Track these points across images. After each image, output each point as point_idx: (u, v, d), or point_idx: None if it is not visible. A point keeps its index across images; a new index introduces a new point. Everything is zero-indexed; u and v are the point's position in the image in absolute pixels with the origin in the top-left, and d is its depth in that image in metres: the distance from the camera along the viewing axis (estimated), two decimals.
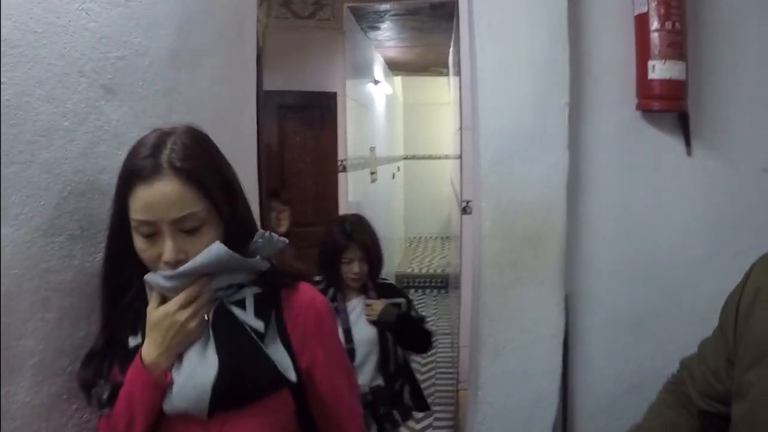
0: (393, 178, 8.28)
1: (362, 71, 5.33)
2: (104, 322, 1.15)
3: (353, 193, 4.56)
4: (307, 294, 1.19)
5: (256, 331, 1.07)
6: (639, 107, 1.94)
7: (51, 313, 1.11)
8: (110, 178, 1.26)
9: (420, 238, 10.69)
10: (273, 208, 3.43)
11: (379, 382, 2.43)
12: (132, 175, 1.04)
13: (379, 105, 6.68)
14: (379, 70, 6.45)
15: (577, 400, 2.12)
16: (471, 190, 3.08)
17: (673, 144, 1.99)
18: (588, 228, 2.05)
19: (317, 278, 2.45)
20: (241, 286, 1.11)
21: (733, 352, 0.96)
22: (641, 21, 1.88)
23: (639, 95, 1.93)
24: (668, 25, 1.83)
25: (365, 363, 2.39)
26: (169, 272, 1.02)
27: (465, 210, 3.33)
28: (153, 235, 1.03)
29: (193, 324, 1.03)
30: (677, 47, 1.85)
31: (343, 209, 4.30)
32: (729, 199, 1.68)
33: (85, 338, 1.20)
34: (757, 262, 1.02)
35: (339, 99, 4.17)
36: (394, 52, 6.62)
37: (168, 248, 1.02)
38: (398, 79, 9.35)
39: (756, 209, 1.99)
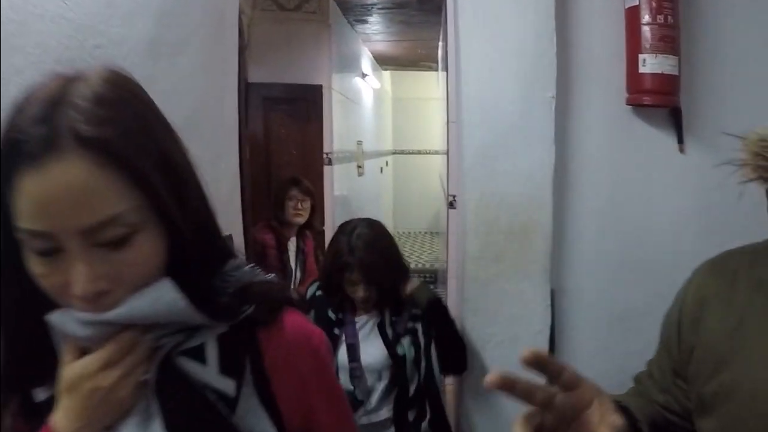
0: (381, 172, 8.25)
1: (349, 65, 5.30)
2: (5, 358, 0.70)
3: (339, 187, 4.53)
4: (298, 329, 0.81)
5: (222, 395, 0.70)
6: (629, 102, 1.92)
7: None
8: None
9: (409, 233, 10.65)
10: (292, 197, 3.23)
11: (388, 413, 1.92)
12: (11, 155, 0.60)
13: (367, 99, 6.64)
14: (366, 64, 6.42)
15: None
16: (456, 184, 3.07)
17: (664, 140, 1.96)
18: (575, 223, 2.03)
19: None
20: (197, 328, 0.71)
21: (681, 366, 0.94)
22: (632, 14, 1.85)
23: (629, 90, 1.91)
24: (660, 18, 1.80)
25: (374, 389, 1.92)
26: (85, 315, 0.64)
27: (452, 204, 3.30)
28: (54, 252, 0.62)
29: (123, 391, 0.66)
30: (669, 41, 1.82)
31: (328, 202, 4.27)
32: (719, 196, 1.67)
33: None
34: (694, 275, 1.00)
35: (325, 92, 4.13)
36: (382, 47, 6.58)
37: (79, 276, 0.61)
38: (387, 74, 9.30)
39: (746, 208, 1.97)
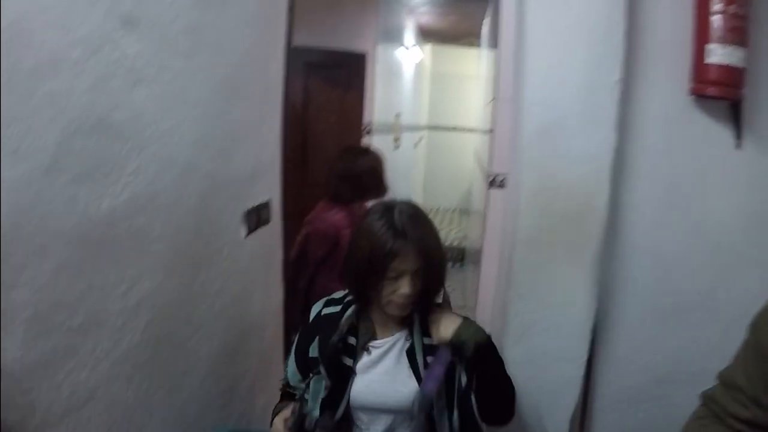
0: (415, 147, 8.12)
1: (393, 35, 5.15)
2: None
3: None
4: None
5: None
6: (693, 91, 1.84)
7: (49, 262, 1.00)
8: (123, 117, 1.15)
9: (438, 209, 10.55)
10: None
11: None
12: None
13: (408, 72, 6.50)
14: (409, 35, 6.26)
15: (599, 388, 2.05)
16: (501, 163, 2.96)
17: (724, 133, 1.89)
18: (629, 211, 1.97)
19: (338, 296, 1.61)
20: None
21: None
22: (702, 2, 1.78)
23: (693, 79, 1.83)
24: (731, 8, 1.73)
25: None
26: None
27: (492, 183, 3.19)
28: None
29: None
30: (739, 32, 1.75)
31: None
32: None
33: (86, 290, 1.10)
34: None
35: (368, 60, 4.01)
36: (425, 19, 6.41)
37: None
38: (428, 48, 9.12)
39: None
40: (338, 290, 1.68)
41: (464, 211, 9.74)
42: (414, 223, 1.40)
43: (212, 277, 1.63)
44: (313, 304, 1.66)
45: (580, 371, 1.94)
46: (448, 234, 8.65)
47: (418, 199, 9.40)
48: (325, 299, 1.59)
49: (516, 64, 2.09)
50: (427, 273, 1.40)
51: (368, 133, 4.14)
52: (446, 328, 1.43)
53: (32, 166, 0.95)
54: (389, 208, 1.43)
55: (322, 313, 1.55)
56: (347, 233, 2.57)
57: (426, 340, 1.46)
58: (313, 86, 3.89)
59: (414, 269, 1.37)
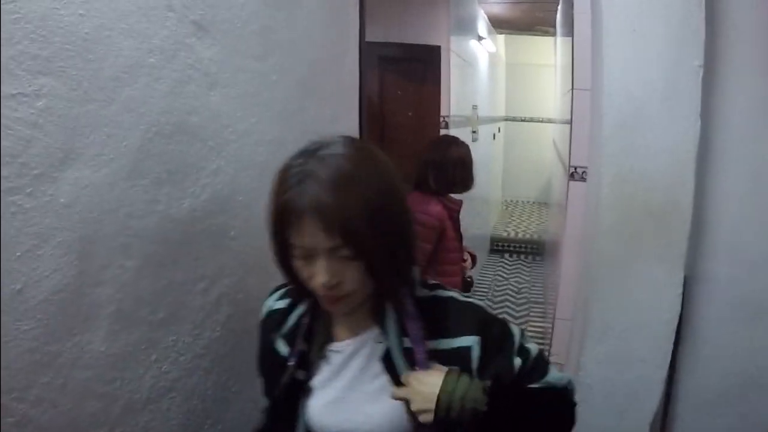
0: (493, 139, 8.00)
1: (465, 27, 5.08)
2: None
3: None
4: None
5: None
6: None
7: (131, 260, 1.05)
8: (200, 120, 1.19)
9: (517, 201, 10.39)
10: None
11: None
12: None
13: (483, 63, 6.40)
14: (482, 26, 6.16)
15: (681, 392, 1.97)
16: (581, 155, 2.88)
17: None
18: (715, 206, 1.87)
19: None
20: None
21: None
22: None
23: None
24: None
25: None
26: None
27: (573, 176, 3.11)
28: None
29: None
30: None
31: None
32: None
33: (167, 287, 1.14)
34: None
35: (443, 53, 3.97)
36: (498, 9, 6.29)
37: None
38: (501, 38, 8.95)
39: None
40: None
41: (543, 204, 9.55)
42: (334, 179, 0.89)
43: None
44: None
45: (663, 373, 1.86)
46: (528, 227, 8.50)
47: (497, 191, 9.28)
48: (282, 290, 1.16)
49: (592, 53, 2.01)
50: (361, 255, 0.91)
51: (445, 126, 4.11)
52: (421, 399, 0.93)
53: (114, 170, 0.99)
54: (313, 150, 0.96)
55: (274, 309, 1.15)
56: (449, 224, 2.63)
57: (407, 342, 1.00)
58: (389, 81, 3.90)
59: (328, 247, 0.89)
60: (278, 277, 1.55)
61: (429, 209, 2.57)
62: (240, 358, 1.41)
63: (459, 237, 2.74)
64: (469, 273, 2.94)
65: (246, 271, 1.41)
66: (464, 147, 2.76)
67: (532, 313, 5.41)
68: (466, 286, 2.93)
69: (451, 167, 2.64)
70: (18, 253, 0.84)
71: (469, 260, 2.90)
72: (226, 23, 1.27)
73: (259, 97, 1.41)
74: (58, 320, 0.91)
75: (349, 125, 2.11)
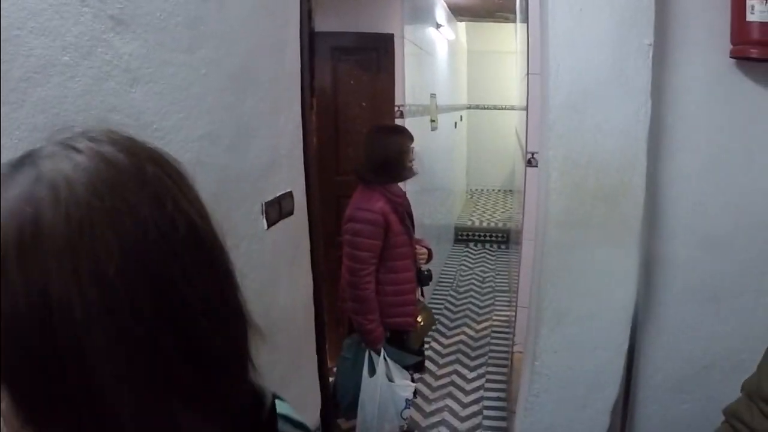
0: (455, 127, 7.99)
1: (422, 15, 5.04)
2: None
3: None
4: None
5: None
6: (733, 54, 1.71)
7: None
8: (121, 118, 1.13)
9: (482, 190, 10.44)
10: (411, 151, 2.76)
11: None
12: None
13: (441, 51, 6.37)
14: (441, 14, 6.12)
15: (641, 377, 1.97)
16: (537, 140, 2.87)
17: None
18: (669, 187, 1.86)
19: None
20: None
21: None
22: None
23: (734, 40, 1.70)
24: None
25: None
26: None
27: (530, 162, 3.11)
28: None
29: None
30: None
31: None
32: None
33: None
34: None
35: (397, 41, 3.92)
36: None
37: None
38: (462, 25, 8.93)
39: None
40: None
41: (509, 192, 9.61)
42: None
43: None
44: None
45: (621, 360, 1.85)
46: (493, 215, 8.54)
47: (462, 181, 9.29)
48: None
49: (540, 35, 1.99)
50: None
51: (401, 115, 4.07)
52: None
53: None
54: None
55: None
56: (394, 218, 2.61)
57: None
58: (342, 71, 3.84)
59: None
60: None
61: (371, 205, 2.57)
62: None
63: (407, 230, 2.72)
64: (425, 267, 2.91)
65: None
66: (400, 135, 2.77)
67: (497, 302, 5.43)
68: (424, 279, 2.90)
69: (390, 157, 2.65)
70: None
71: (425, 253, 2.87)
72: (148, 16, 1.20)
73: (187, 92, 1.35)
74: None
75: (291, 118, 2.06)
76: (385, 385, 2.63)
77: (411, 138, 2.77)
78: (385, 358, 2.65)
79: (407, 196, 2.86)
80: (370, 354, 2.65)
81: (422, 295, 3.00)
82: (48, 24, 0.96)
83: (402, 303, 2.71)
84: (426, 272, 2.91)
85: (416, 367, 2.96)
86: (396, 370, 2.68)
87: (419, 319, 2.82)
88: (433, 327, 2.98)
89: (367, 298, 2.57)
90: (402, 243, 2.65)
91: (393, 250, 2.62)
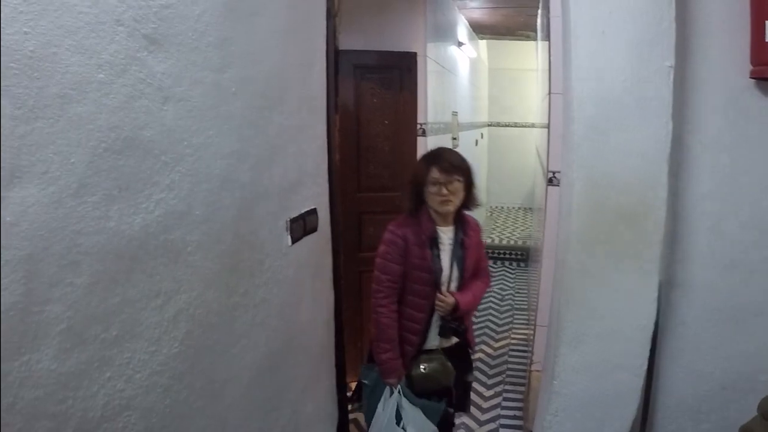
0: (476, 145, 8.00)
1: (445, 33, 5.08)
2: None
3: None
4: None
5: None
6: (753, 74, 1.71)
7: (81, 278, 1.03)
8: (153, 135, 1.17)
9: (502, 207, 10.42)
10: (433, 182, 2.32)
11: None
12: None
13: (463, 69, 6.41)
14: (463, 32, 6.16)
15: (660, 398, 1.96)
16: (559, 160, 2.89)
17: None
18: (690, 208, 1.86)
19: None
20: None
21: None
22: None
23: (753, 61, 1.70)
24: None
25: None
26: None
27: (551, 181, 3.11)
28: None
29: None
30: None
31: None
32: None
33: (120, 304, 1.12)
34: None
35: (419, 60, 3.96)
36: (478, 14, 6.30)
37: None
38: (483, 43, 8.98)
39: None
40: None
41: (528, 209, 9.58)
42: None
43: (254, 288, 1.64)
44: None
45: (640, 380, 1.85)
46: (512, 233, 8.51)
47: (482, 197, 9.28)
48: None
49: (563, 56, 2.01)
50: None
51: (423, 133, 4.10)
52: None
53: (61, 187, 0.97)
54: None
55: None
56: (416, 250, 2.35)
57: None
58: (365, 89, 3.88)
59: None
60: (238, 292, 1.54)
61: (396, 227, 2.37)
62: (200, 374, 1.38)
63: (429, 269, 2.35)
64: (451, 320, 2.43)
65: (205, 286, 1.39)
66: (424, 163, 2.38)
67: (515, 321, 5.40)
68: (444, 331, 2.43)
69: (411, 184, 2.40)
70: None
71: (445, 303, 2.36)
72: (181, 36, 1.25)
73: (216, 110, 1.39)
74: (5, 339, 0.89)
75: (316, 135, 2.10)
76: (392, 428, 2.32)
77: (440, 169, 2.30)
78: (401, 394, 2.34)
79: (477, 243, 2.53)
80: (390, 387, 2.37)
81: (442, 346, 2.48)
82: (84, 42, 1.00)
83: (402, 341, 2.39)
84: (451, 326, 2.42)
85: (458, 406, 2.63)
86: (412, 415, 2.34)
87: (422, 367, 2.41)
88: (448, 382, 2.48)
89: (381, 324, 2.32)
90: (417, 279, 2.35)
91: (406, 282, 2.36)
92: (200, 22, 1.30)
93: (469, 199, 2.43)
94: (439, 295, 2.36)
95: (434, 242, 2.36)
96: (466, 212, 2.51)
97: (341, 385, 2.52)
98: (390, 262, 2.33)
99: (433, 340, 2.44)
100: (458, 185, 2.33)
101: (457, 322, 2.42)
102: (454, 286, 2.41)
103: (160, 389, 1.24)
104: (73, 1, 0.97)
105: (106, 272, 1.08)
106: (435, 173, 2.29)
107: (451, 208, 2.34)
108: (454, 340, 2.50)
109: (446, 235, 2.41)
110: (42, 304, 0.95)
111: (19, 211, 0.90)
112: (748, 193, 1.80)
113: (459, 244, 2.41)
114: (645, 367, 1.84)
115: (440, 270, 2.36)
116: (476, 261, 2.51)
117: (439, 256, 2.36)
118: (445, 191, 2.29)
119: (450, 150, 2.45)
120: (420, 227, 2.36)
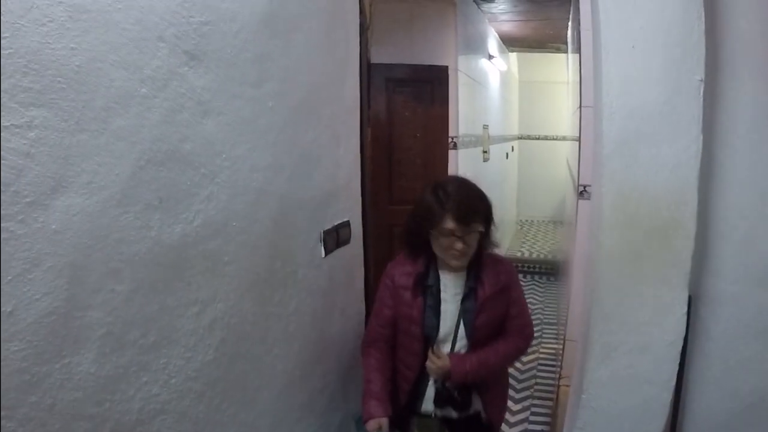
0: (507, 158, 8.00)
1: (475, 46, 5.11)
2: None
3: (463, 172, 4.38)
4: None
5: None
6: None
7: (122, 285, 1.07)
8: (193, 147, 1.21)
9: (532, 221, 10.34)
10: (443, 232, 1.80)
11: None
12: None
13: (494, 82, 6.42)
14: (493, 45, 6.18)
15: (688, 414, 1.92)
16: (590, 173, 2.88)
17: None
18: (719, 223, 1.83)
19: None
20: None
21: None
22: None
23: None
24: None
25: None
26: None
27: (582, 194, 3.10)
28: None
29: None
30: None
31: None
32: None
33: (159, 311, 1.16)
34: None
35: (451, 73, 3.99)
36: (508, 27, 6.31)
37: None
38: (514, 56, 8.98)
39: None
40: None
41: (558, 223, 9.50)
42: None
43: (288, 298, 1.68)
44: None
45: (669, 395, 1.83)
46: (543, 246, 8.45)
47: (512, 211, 9.25)
48: None
49: (594, 70, 2.02)
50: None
51: (454, 146, 4.12)
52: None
53: (105, 197, 1.02)
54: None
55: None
56: (407, 296, 1.92)
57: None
58: (397, 102, 3.92)
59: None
60: (273, 302, 1.58)
61: (391, 267, 1.99)
62: (234, 380, 1.42)
63: (418, 319, 1.90)
64: (451, 387, 1.94)
65: (240, 295, 1.42)
66: (431, 197, 1.82)
67: (545, 335, 5.36)
68: (440, 399, 1.95)
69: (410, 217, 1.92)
70: (9, 277, 0.87)
71: (436, 365, 1.89)
72: (220, 51, 1.29)
73: (254, 124, 1.43)
74: (47, 342, 0.93)
75: (350, 149, 2.13)
76: None
77: (457, 219, 1.78)
78: None
79: (500, 293, 1.97)
80: None
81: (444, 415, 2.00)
82: (128, 57, 1.05)
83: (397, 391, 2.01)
84: (449, 394, 1.95)
85: None
86: None
87: None
88: None
89: (365, 366, 1.96)
90: (406, 331, 1.94)
91: (397, 332, 1.97)
92: (238, 38, 1.35)
93: (486, 242, 1.93)
94: (431, 354, 1.90)
95: (427, 289, 1.90)
96: (490, 252, 1.99)
97: None
98: (381, 305, 1.95)
99: (428, 405, 1.99)
100: (476, 235, 1.85)
101: (459, 390, 1.94)
102: (461, 345, 1.92)
103: (194, 395, 1.28)
104: (117, 18, 1.02)
105: (145, 280, 1.12)
106: (450, 223, 1.77)
107: (465, 262, 1.87)
108: (455, 412, 1.99)
109: (453, 282, 1.93)
110: (84, 309, 0.99)
111: (64, 219, 0.95)
112: None
113: (470, 295, 1.91)
114: (673, 382, 1.82)
115: (433, 325, 1.90)
116: (499, 318, 1.99)
117: (435, 307, 1.90)
118: (460, 245, 1.80)
119: (467, 185, 1.89)
120: (414, 266, 1.93)
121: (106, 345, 1.04)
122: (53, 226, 0.93)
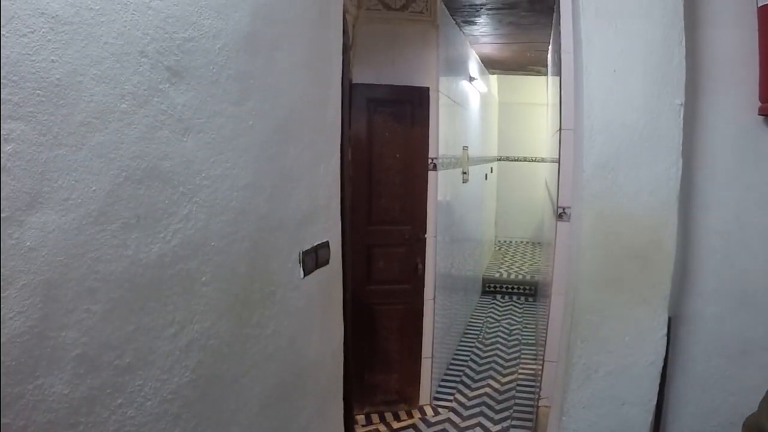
0: (486, 179, 8.05)
1: (456, 68, 5.15)
2: None
3: (443, 193, 4.39)
4: None
5: None
6: (762, 111, 1.73)
7: (97, 305, 1.04)
8: (172, 165, 1.19)
9: (510, 242, 10.40)
10: None
11: None
12: None
13: (474, 103, 6.47)
14: (474, 67, 6.24)
15: None
16: (569, 195, 2.90)
17: None
18: (699, 245, 1.87)
19: None
20: None
21: None
22: (765, 14, 1.66)
23: (762, 98, 1.72)
24: None
25: None
26: None
27: (561, 216, 3.12)
28: None
29: None
30: None
31: (431, 209, 4.13)
32: None
33: (134, 331, 1.13)
34: None
35: (432, 94, 4.01)
36: (489, 49, 6.39)
37: None
38: (494, 78, 9.08)
39: None
40: None
41: (537, 244, 9.56)
42: None
43: (266, 319, 1.65)
44: None
45: (648, 416, 1.83)
46: (521, 267, 8.48)
47: (490, 232, 9.29)
48: None
49: (575, 93, 2.04)
50: None
51: (434, 167, 4.13)
52: None
53: (82, 214, 0.99)
54: None
55: None
56: None
57: None
58: (378, 122, 3.92)
59: None
60: (251, 323, 1.55)
61: None
62: (210, 403, 1.39)
63: None
64: None
65: (218, 316, 1.40)
66: None
67: (523, 355, 5.36)
68: None
69: None
70: None
71: None
72: (202, 69, 1.28)
73: (234, 142, 1.42)
74: (20, 362, 0.90)
75: (330, 169, 2.12)
76: None
77: None
78: None
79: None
80: None
81: None
82: (109, 72, 1.03)
83: None
84: None
85: None
86: None
87: None
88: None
89: None
90: None
91: None
92: (221, 55, 1.34)
93: None
94: None
95: None
96: None
97: (348, 418, 2.50)
98: None
99: None
100: None
101: None
102: None
103: (170, 417, 1.25)
104: (99, 31, 1.01)
105: (122, 300, 1.09)
106: None
107: None
108: None
109: None
110: (58, 329, 0.96)
111: (40, 236, 0.92)
112: (757, 228, 1.81)
113: None
114: (654, 402, 1.83)
115: None
116: None
117: None
118: None
119: None
120: None
121: (80, 366, 1.01)
122: (28, 243, 0.90)
